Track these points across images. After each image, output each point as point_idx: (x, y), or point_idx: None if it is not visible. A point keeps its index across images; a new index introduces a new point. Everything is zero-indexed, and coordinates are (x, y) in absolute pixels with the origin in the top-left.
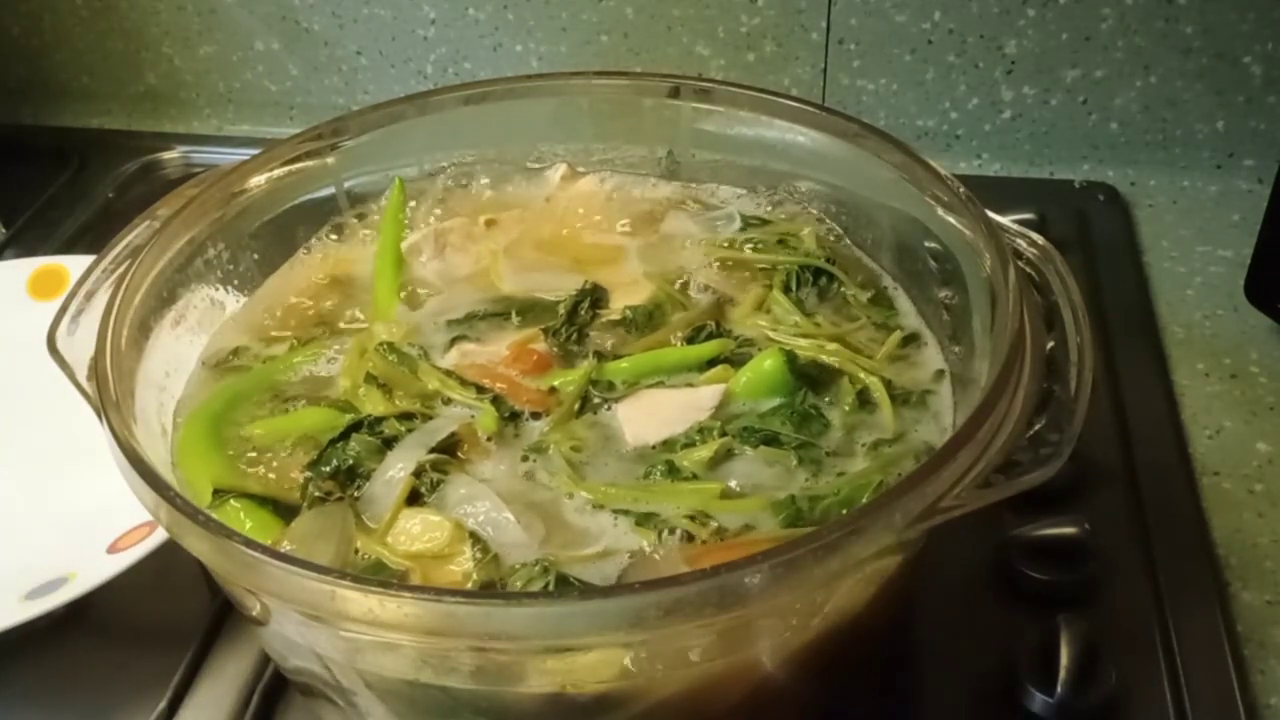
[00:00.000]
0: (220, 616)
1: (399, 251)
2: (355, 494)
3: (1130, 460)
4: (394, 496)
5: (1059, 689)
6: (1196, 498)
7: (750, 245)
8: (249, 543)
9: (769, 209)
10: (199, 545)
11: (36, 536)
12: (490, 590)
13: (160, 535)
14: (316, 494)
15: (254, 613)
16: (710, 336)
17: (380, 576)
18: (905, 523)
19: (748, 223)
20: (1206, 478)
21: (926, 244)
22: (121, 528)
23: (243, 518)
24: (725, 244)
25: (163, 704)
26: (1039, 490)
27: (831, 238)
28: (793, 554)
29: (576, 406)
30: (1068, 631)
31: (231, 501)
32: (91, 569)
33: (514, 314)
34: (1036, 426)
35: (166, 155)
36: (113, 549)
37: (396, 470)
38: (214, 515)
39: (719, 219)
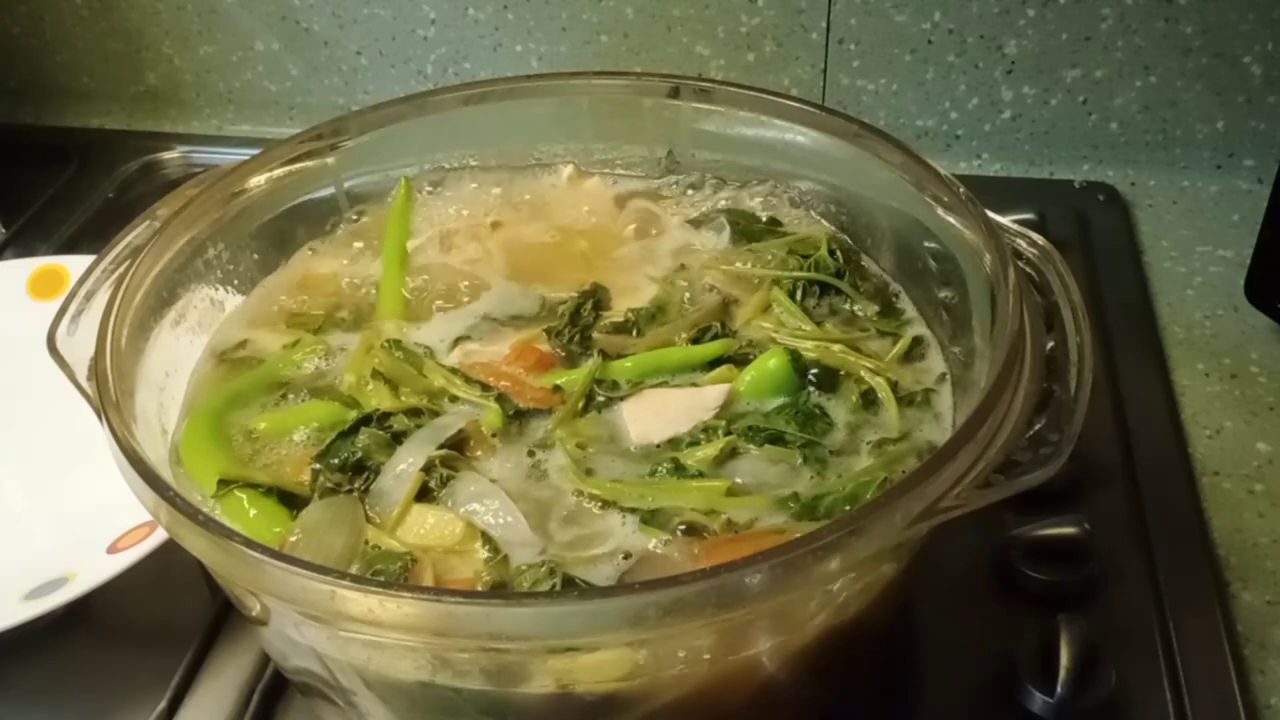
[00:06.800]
0: (220, 616)
1: (405, 251)
2: (363, 487)
3: (1130, 460)
4: (404, 490)
5: (1059, 689)
6: (1196, 498)
7: (754, 259)
8: (249, 543)
9: (771, 211)
10: (199, 545)
11: (36, 536)
12: (490, 590)
13: (160, 535)
14: (328, 485)
15: (254, 613)
16: (715, 337)
17: (388, 569)
18: (905, 523)
19: (749, 229)
20: (1206, 478)
21: (926, 244)
22: (121, 528)
23: (247, 506)
24: (729, 258)
25: (163, 704)
26: (1039, 490)
27: (841, 251)
28: (793, 554)
29: (581, 404)
30: (1068, 631)
31: (236, 491)
32: (91, 569)
33: (517, 314)
34: (1036, 426)
35: (166, 155)
36: (113, 549)
37: (407, 464)
38: (219, 504)
39: (710, 229)
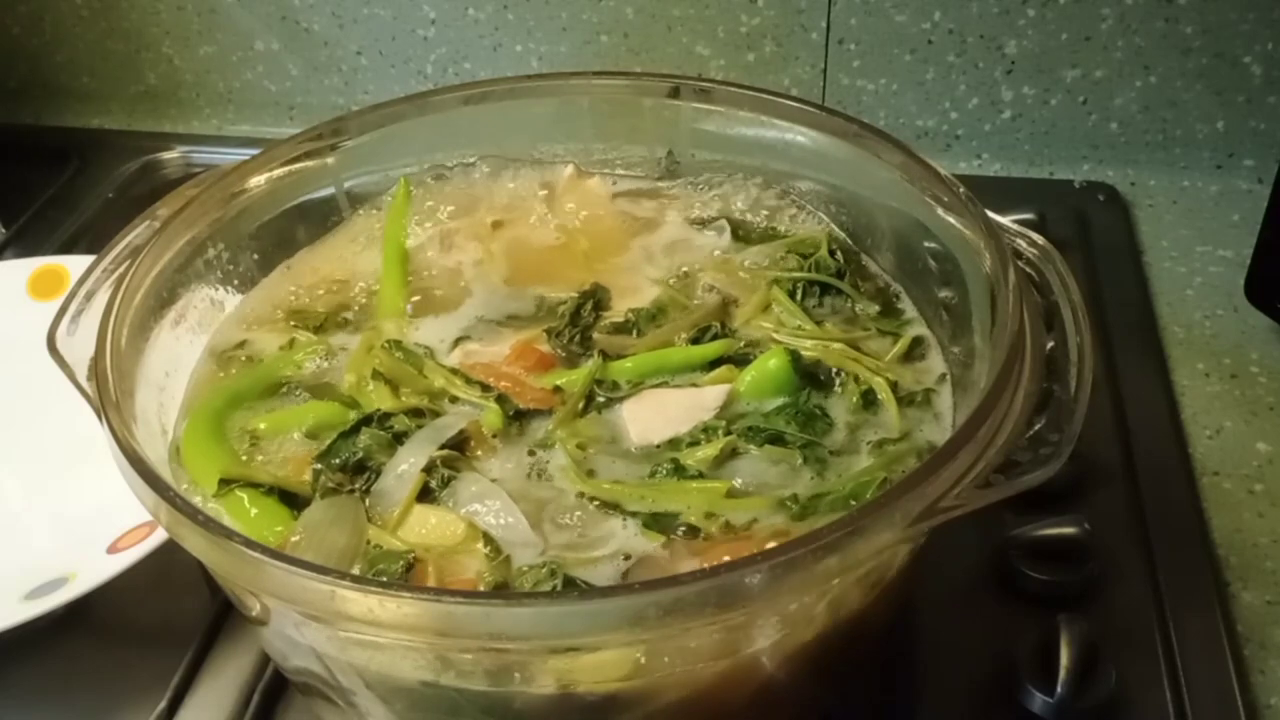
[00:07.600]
0: (220, 616)
1: (404, 250)
2: (364, 487)
3: (1130, 460)
4: (406, 490)
5: (1059, 689)
6: (1196, 498)
7: (754, 259)
8: (249, 543)
9: (771, 211)
10: (199, 545)
11: (36, 536)
12: (489, 590)
13: (160, 535)
14: (329, 485)
15: (254, 613)
16: (715, 337)
17: (390, 568)
18: (905, 523)
19: (749, 229)
20: (1206, 478)
21: (926, 244)
22: (121, 528)
23: (248, 505)
24: (729, 258)
25: (163, 704)
26: (1039, 490)
27: (842, 250)
28: (793, 554)
29: (581, 404)
30: (1068, 631)
31: (237, 491)
32: (91, 569)
33: (517, 315)
34: (1036, 426)
35: (166, 155)
36: (113, 549)
37: (408, 464)
38: (220, 504)
39: (710, 229)
